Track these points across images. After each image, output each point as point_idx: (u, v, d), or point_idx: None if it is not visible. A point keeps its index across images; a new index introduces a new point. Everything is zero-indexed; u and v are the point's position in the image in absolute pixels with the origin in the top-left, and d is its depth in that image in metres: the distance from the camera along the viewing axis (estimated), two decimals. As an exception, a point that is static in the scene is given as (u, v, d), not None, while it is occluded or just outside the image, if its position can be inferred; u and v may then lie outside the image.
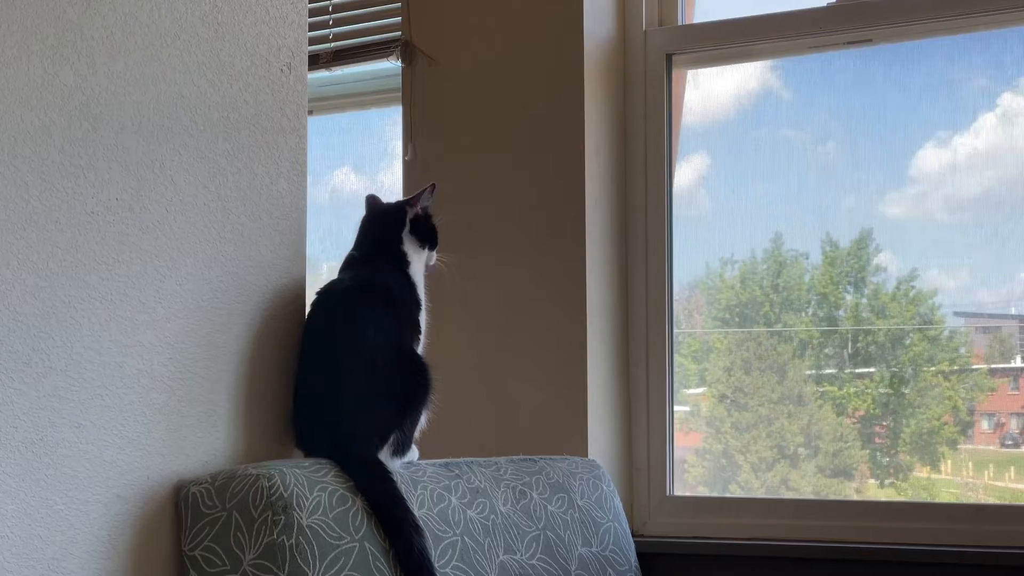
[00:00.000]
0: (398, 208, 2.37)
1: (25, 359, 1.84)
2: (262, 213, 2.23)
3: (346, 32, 3.35)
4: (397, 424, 2.19)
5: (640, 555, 2.62)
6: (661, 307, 3.04)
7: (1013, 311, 2.92)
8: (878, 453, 2.99)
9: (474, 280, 3.03)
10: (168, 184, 2.07)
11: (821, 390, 3.03)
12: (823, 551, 2.78)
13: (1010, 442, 2.94)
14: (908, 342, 2.96)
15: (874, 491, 2.97)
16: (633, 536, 2.65)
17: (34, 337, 1.85)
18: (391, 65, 3.22)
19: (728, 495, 3.06)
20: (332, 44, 3.35)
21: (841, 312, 3.03)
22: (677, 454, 3.06)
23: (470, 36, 3.11)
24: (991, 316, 2.94)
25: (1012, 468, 2.92)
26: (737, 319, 3.12)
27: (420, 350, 2.30)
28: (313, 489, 2.02)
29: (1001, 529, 2.71)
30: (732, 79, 3.13)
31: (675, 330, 3.07)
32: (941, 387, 2.92)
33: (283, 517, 1.97)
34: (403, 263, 2.32)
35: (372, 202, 2.40)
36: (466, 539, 2.22)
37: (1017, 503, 2.85)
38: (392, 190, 3.40)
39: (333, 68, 3.35)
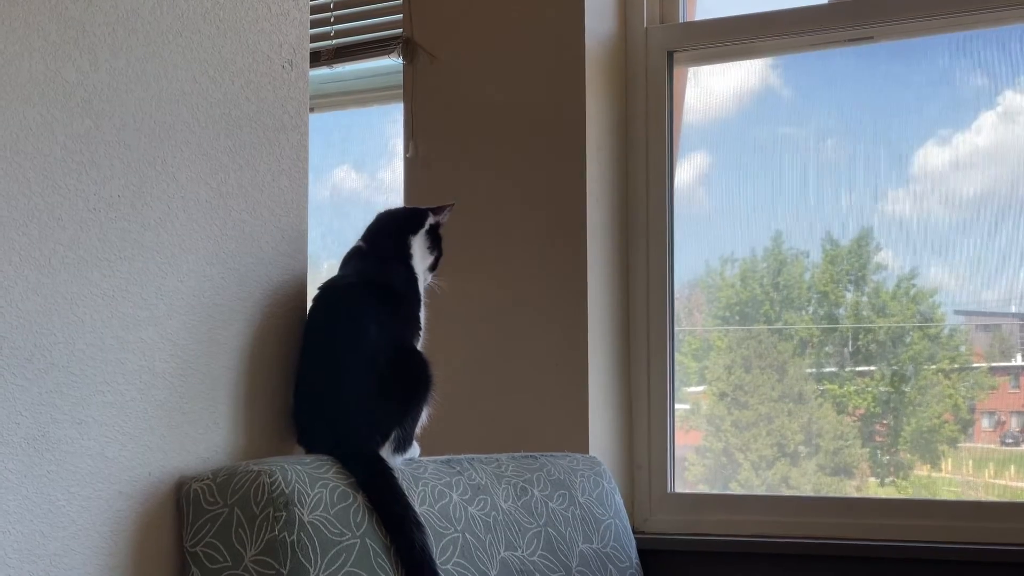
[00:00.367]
0: (422, 212, 2.39)
1: (27, 355, 1.84)
2: (263, 210, 2.23)
3: (347, 29, 3.36)
4: (398, 421, 2.19)
5: (641, 552, 2.62)
6: (662, 304, 3.04)
7: (1013, 309, 2.93)
8: (878, 451, 3.00)
9: (476, 277, 3.03)
10: (170, 181, 2.07)
11: (821, 388, 3.03)
12: (825, 548, 2.79)
13: (1010, 440, 2.94)
14: (908, 340, 2.96)
15: (874, 489, 2.97)
16: (634, 533, 2.65)
17: (36, 333, 1.85)
18: (392, 62, 3.22)
19: (729, 492, 3.07)
20: (333, 41, 3.35)
21: (841, 310, 3.03)
22: (677, 452, 3.06)
23: (471, 33, 3.11)
24: (991, 314, 2.95)
25: (1012, 466, 2.93)
26: (737, 317, 3.12)
27: (420, 346, 2.31)
28: (314, 485, 2.02)
29: (1002, 526, 2.71)
30: (733, 77, 3.13)
31: (675, 328, 3.07)
32: (941, 385, 2.92)
33: (284, 513, 1.97)
34: (408, 258, 2.32)
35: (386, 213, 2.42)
36: (467, 536, 2.22)
37: (1018, 500, 2.85)
38: (392, 188, 3.41)
39: (334, 65, 3.35)
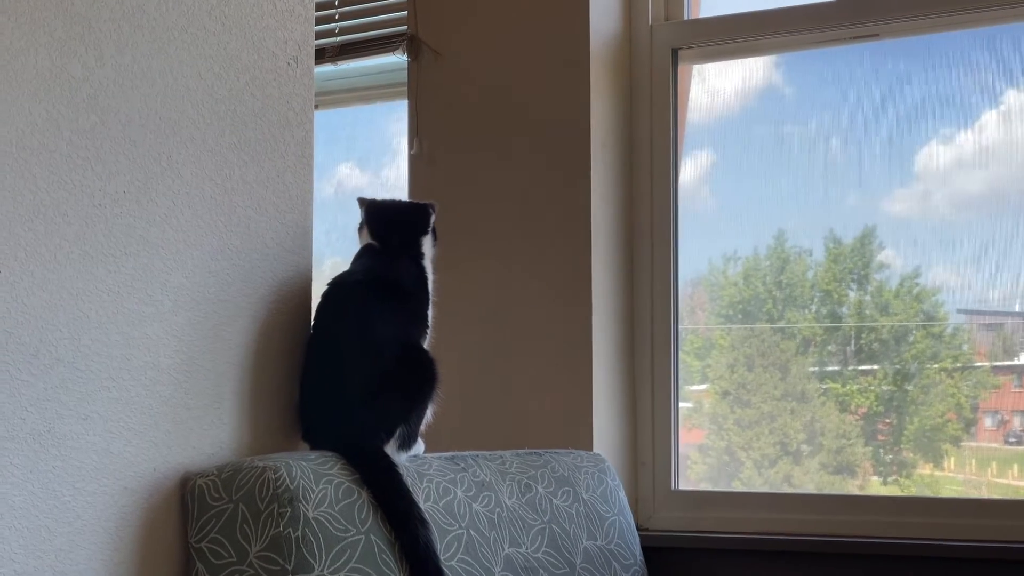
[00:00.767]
0: (425, 207, 2.40)
1: (33, 351, 1.84)
2: (268, 206, 2.23)
3: (352, 26, 3.36)
4: (403, 418, 2.19)
5: (645, 549, 2.63)
6: (667, 301, 3.04)
7: (1017, 308, 2.93)
8: (881, 450, 3.00)
9: (480, 274, 3.04)
10: (175, 177, 2.07)
11: (824, 387, 3.03)
12: (829, 545, 2.79)
13: (1013, 439, 2.94)
14: (911, 339, 2.96)
15: (877, 488, 2.97)
16: (638, 530, 2.66)
17: (41, 329, 1.86)
18: (397, 59, 3.22)
19: (734, 489, 3.06)
20: (338, 38, 3.35)
21: (844, 309, 3.03)
22: (680, 450, 3.06)
23: (476, 30, 3.11)
24: (995, 313, 2.95)
25: (1015, 465, 2.92)
26: (740, 316, 3.12)
27: (426, 344, 2.31)
28: (319, 482, 2.02)
29: (1005, 524, 2.71)
30: (737, 75, 3.13)
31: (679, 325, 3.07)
32: (944, 384, 2.91)
33: (289, 509, 1.97)
34: (420, 257, 2.33)
35: (375, 203, 2.41)
36: (472, 532, 2.22)
37: (1022, 498, 2.84)
38: (396, 185, 3.41)
39: (338, 62, 3.35)
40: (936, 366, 2.92)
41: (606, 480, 2.57)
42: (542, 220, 3.01)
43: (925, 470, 2.95)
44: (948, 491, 2.90)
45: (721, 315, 3.15)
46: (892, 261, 2.98)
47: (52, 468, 1.86)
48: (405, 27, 3.19)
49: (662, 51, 3.07)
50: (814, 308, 3.07)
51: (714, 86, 3.14)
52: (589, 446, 2.89)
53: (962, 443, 2.92)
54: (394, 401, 2.19)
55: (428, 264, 2.35)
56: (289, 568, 1.95)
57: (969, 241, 2.92)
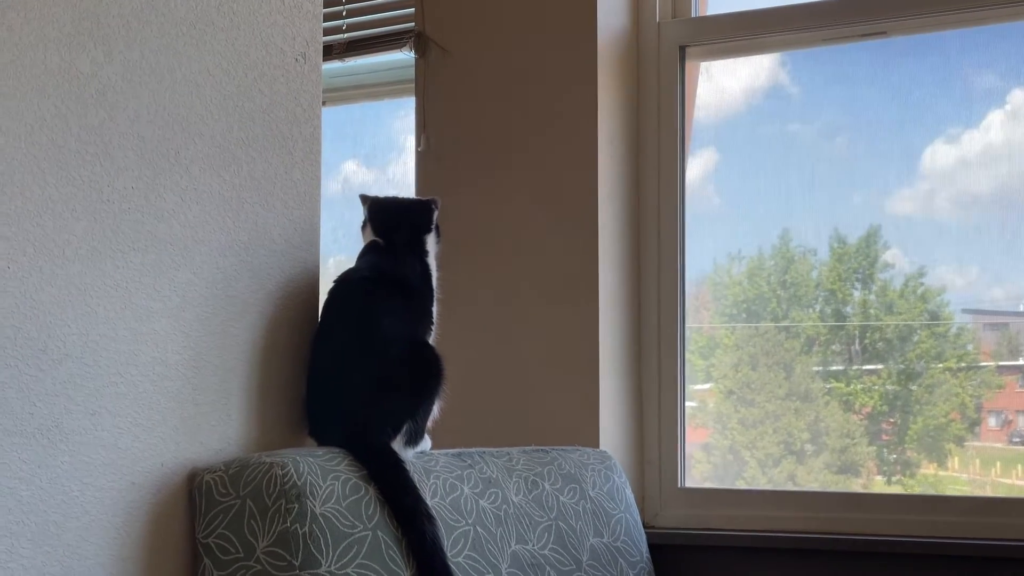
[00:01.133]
0: (427, 203, 2.40)
1: (41, 346, 1.84)
2: (276, 202, 2.23)
3: (360, 23, 3.36)
4: (410, 414, 2.20)
5: (651, 546, 2.63)
6: (673, 299, 3.04)
7: (1022, 308, 2.92)
8: (885, 450, 2.99)
9: (487, 271, 3.04)
10: (183, 173, 2.07)
11: (828, 386, 3.03)
12: (833, 543, 2.79)
13: (1018, 439, 2.94)
14: (916, 339, 2.96)
15: (881, 487, 2.97)
16: (644, 527, 2.66)
17: (50, 324, 1.86)
18: (404, 56, 3.22)
19: (740, 487, 3.06)
20: (345, 35, 3.35)
21: (849, 308, 3.03)
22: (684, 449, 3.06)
23: (483, 27, 3.11)
24: (999, 313, 2.94)
25: (1019, 465, 2.92)
26: (744, 315, 3.12)
27: (432, 341, 2.31)
28: (326, 478, 2.02)
29: (1009, 522, 2.71)
30: (743, 74, 3.13)
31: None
32: (949, 384, 2.91)
33: (296, 505, 1.97)
34: (424, 254, 2.34)
35: (378, 200, 2.41)
36: (478, 529, 2.22)
37: (1025, 497, 2.85)
38: (403, 182, 3.41)
39: (346, 59, 3.35)
40: (940, 366, 2.92)
41: (613, 477, 2.57)
42: (549, 217, 3.01)
43: (929, 470, 2.95)
44: (952, 491, 2.90)
45: (725, 314, 3.15)
46: (897, 260, 2.98)
47: (60, 463, 1.87)
48: (413, 24, 3.19)
49: (669, 48, 3.07)
50: (818, 307, 3.07)
51: (720, 85, 3.14)
52: (596, 443, 2.89)
53: (966, 443, 2.92)
54: (401, 397, 2.19)
55: (432, 261, 2.35)
56: (296, 564, 1.95)
57: (974, 241, 2.92)
